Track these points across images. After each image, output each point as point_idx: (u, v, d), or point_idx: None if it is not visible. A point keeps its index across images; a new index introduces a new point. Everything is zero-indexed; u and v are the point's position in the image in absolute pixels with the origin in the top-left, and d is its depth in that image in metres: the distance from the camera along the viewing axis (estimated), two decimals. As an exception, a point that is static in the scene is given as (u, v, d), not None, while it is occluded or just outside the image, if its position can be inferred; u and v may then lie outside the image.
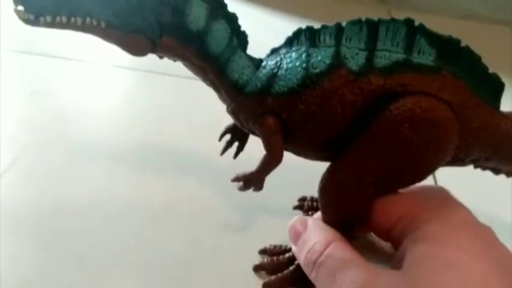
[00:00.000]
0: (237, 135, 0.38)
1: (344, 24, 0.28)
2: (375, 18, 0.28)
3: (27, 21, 0.27)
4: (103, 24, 0.27)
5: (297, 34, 0.29)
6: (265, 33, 0.41)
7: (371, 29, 0.28)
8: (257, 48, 0.33)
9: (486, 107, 0.29)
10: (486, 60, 0.28)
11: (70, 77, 0.59)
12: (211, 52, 0.29)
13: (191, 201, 0.41)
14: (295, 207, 0.41)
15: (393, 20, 0.28)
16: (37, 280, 0.33)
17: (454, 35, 0.28)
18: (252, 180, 0.32)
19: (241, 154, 0.39)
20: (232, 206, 0.41)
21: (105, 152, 0.47)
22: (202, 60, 0.29)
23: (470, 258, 0.23)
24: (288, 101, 0.28)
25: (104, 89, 0.58)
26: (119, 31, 0.27)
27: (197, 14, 0.28)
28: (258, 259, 0.36)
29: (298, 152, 0.31)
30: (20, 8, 0.27)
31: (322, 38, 0.28)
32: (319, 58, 0.28)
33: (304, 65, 0.28)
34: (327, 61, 0.28)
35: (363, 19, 0.28)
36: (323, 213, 0.31)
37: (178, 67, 0.32)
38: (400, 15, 0.29)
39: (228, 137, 0.38)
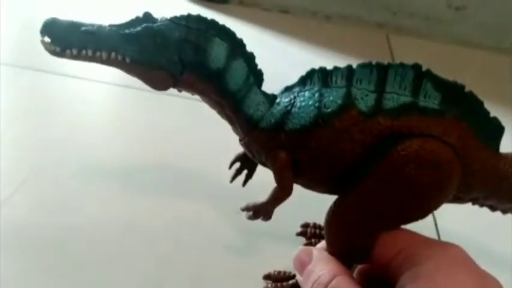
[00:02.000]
0: (246, 164, 0.39)
1: (354, 66, 0.30)
2: (385, 62, 0.30)
3: (53, 52, 0.28)
4: (127, 60, 0.28)
5: (310, 74, 0.30)
6: (270, 54, 0.42)
7: (381, 72, 0.29)
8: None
9: (486, 150, 0.30)
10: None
11: (75, 95, 0.60)
12: (229, 89, 0.30)
13: (195, 226, 0.42)
14: (298, 234, 0.42)
15: (401, 65, 0.29)
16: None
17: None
18: (261, 211, 0.33)
19: (250, 181, 0.40)
20: (236, 231, 0.42)
21: (110, 172, 0.47)
22: (220, 96, 0.31)
23: None
24: (300, 137, 0.30)
25: (110, 108, 0.59)
26: (143, 67, 0.28)
27: (218, 53, 0.29)
28: (262, 284, 0.37)
29: (307, 186, 0.32)
30: (47, 39, 0.28)
31: (334, 79, 0.30)
32: (331, 98, 0.29)
33: (317, 104, 0.29)
34: (339, 101, 0.29)
35: (374, 63, 0.30)
36: (328, 245, 0.32)
37: None
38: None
39: (237, 165, 0.39)
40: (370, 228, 0.29)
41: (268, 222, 0.37)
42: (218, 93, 0.31)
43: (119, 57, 0.28)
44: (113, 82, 0.63)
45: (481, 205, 0.34)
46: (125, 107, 0.60)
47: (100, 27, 0.28)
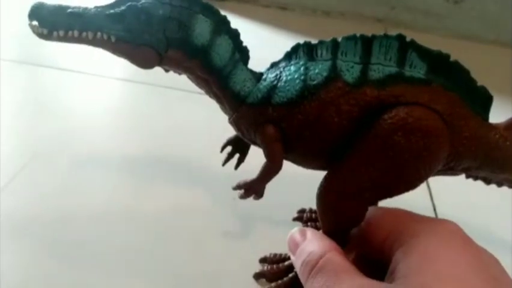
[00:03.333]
0: (238, 147, 0.39)
1: (339, 39, 0.30)
2: (369, 34, 0.30)
3: (41, 35, 0.29)
4: (113, 39, 0.29)
5: (296, 49, 0.31)
6: (268, 50, 0.42)
7: (365, 44, 0.29)
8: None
9: (475, 118, 0.30)
10: (481, 79, 0.30)
11: (73, 88, 0.61)
12: (215, 65, 0.31)
13: (192, 212, 0.42)
14: (295, 219, 0.42)
15: (386, 36, 0.29)
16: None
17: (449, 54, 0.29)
18: (253, 188, 0.33)
19: (242, 165, 0.40)
20: (234, 216, 0.42)
21: (107, 163, 0.48)
22: (206, 73, 0.31)
23: (462, 270, 0.23)
24: (288, 111, 0.30)
25: (107, 100, 0.60)
26: (128, 45, 0.29)
27: (202, 29, 0.30)
28: (258, 267, 0.37)
29: (297, 161, 0.32)
30: (35, 23, 0.29)
31: (319, 52, 0.30)
32: (316, 71, 0.29)
33: (302, 77, 0.29)
34: (324, 73, 0.29)
35: (358, 35, 0.30)
36: (321, 222, 0.32)
37: (180, 81, 0.34)
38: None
39: (229, 148, 0.40)
40: (360, 199, 0.29)
41: (266, 208, 0.37)
42: (204, 70, 0.31)
43: (105, 37, 0.29)
44: (112, 76, 0.64)
45: (475, 178, 0.34)
46: (123, 99, 0.61)
47: (85, 8, 0.29)
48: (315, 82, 0.29)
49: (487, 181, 0.34)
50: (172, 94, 0.61)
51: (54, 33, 0.28)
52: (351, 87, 0.29)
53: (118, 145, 0.51)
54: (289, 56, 0.31)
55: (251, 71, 0.32)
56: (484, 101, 0.30)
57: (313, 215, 0.41)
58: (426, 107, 0.28)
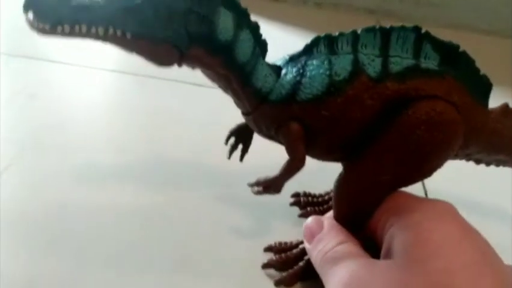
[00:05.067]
0: (241, 138, 0.38)
1: (359, 31, 0.30)
2: (387, 26, 0.30)
3: (42, 30, 0.25)
4: (128, 35, 0.26)
5: (316, 41, 0.30)
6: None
7: (384, 35, 0.29)
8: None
9: (479, 107, 0.32)
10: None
11: (66, 81, 0.58)
12: (238, 62, 0.29)
13: (189, 205, 0.41)
14: (292, 204, 0.42)
15: (403, 27, 0.30)
16: (35, 281, 0.32)
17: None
18: (273, 185, 0.32)
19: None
20: (232, 208, 0.41)
21: (101, 155, 0.45)
22: (228, 70, 0.29)
23: (454, 246, 0.25)
24: (313, 107, 0.29)
25: (101, 93, 0.57)
26: (146, 41, 0.26)
27: (225, 24, 0.28)
28: (264, 258, 0.36)
29: (315, 155, 0.32)
30: (31, 15, 0.25)
31: (340, 45, 0.29)
32: (341, 65, 0.29)
33: (327, 72, 0.29)
34: (349, 68, 0.29)
35: (377, 27, 0.30)
36: (336, 209, 0.32)
37: (173, 73, 0.32)
38: (388, 25, 0.31)
39: (232, 140, 0.38)
40: (379, 191, 0.30)
41: (262, 197, 0.37)
42: (226, 67, 0.29)
43: (119, 33, 0.25)
44: (104, 68, 0.61)
45: (468, 159, 0.36)
46: (115, 91, 0.58)
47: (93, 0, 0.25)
48: (341, 77, 0.29)
49: (478, 161, 0.37)
50: (167, 86, 0.58)
51: (59, 28, 0.25)
52: (374, 81, 0.29)
53: (111, 139, 0.48)
54: (309, 49, 0.30)
55: (269, 65, 0.31)
56: (486, 89, 0.32)
57: (310, 199, 0.41)
58: (444, 99, 0.29)
